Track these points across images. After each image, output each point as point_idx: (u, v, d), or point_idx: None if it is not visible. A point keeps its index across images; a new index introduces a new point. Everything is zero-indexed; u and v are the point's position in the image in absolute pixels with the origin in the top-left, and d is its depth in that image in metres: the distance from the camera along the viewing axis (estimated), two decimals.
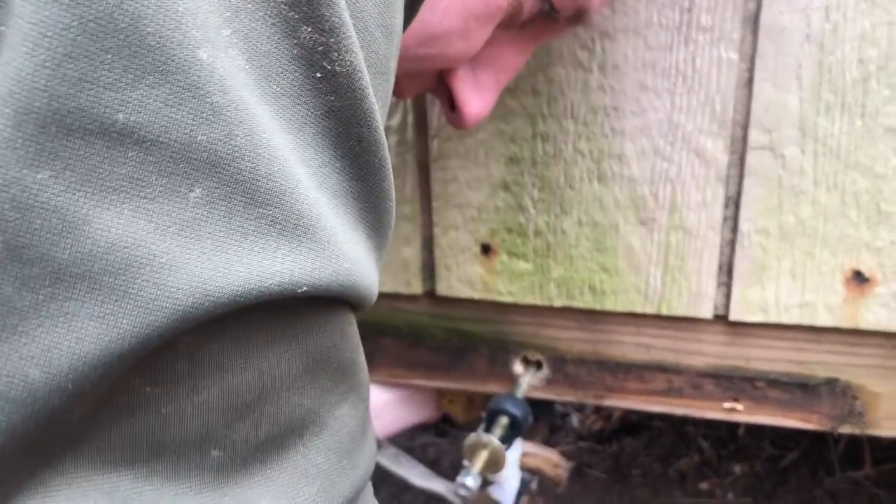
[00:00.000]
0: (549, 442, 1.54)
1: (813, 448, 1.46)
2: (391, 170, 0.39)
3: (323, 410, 0.39)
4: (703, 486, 1.38)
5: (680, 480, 1.40)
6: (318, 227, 0.33)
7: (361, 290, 0.37)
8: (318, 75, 0.33)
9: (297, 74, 0.33)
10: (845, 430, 0.84)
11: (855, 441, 1.42)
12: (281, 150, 0.32)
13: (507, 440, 0.89)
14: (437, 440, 1.58)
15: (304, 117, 0.34)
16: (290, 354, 0.36)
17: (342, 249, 0.35)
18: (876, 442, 1.45)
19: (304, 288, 0.33)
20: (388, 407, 1.03)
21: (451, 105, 0.64)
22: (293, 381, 0.36)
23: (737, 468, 1.42)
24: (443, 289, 0.89)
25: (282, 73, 0.33)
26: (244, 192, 0.31)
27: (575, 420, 1.64)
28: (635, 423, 1.61)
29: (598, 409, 1.67)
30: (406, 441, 1.60)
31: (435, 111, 0.82)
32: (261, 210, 0.32)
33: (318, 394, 0.38)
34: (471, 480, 0.84)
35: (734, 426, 1.56)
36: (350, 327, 0.40)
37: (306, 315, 0.36)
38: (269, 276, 0.32)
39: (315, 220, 0.33)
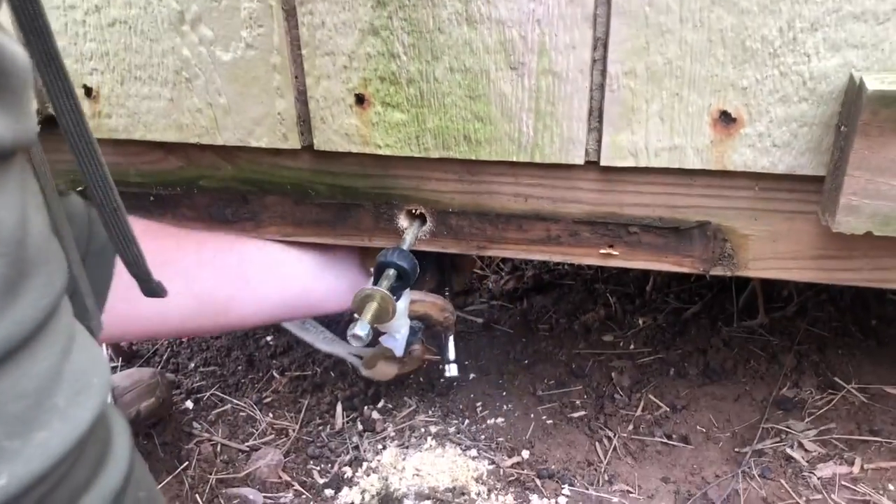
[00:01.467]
0: (464, 304, 1.58)
1: (715, 301, 1.52)
2: None
3: None
4: (607, 338, 1.43)
5: (584, 333, 1.45)
6: None
7: None
8: None
9: None
10: (717, 272, 0.87)
11: (755, 294, 1.47)
12: None
13: (395, 292, 0.90)
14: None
15: None
16: None
17: None
18: (773, 293, 1.50)
19: None
20: (317, 276, 1.03)
21: None
22: None
23: (640, 321, 1.47)
24: (321, 143, 0.87)
25: None
26: None
27: (490, 282, 1.67)
28: (547, 283, 1.65)
29: (513, 270, 1.70)
30: None
31: None
32: None
33: None
34: (360, 329, 0.84)
35: (643, 283, 1.60)
36: None
37: None
38: None
39: None
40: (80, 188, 1.02)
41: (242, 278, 0.97)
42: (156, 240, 0.89)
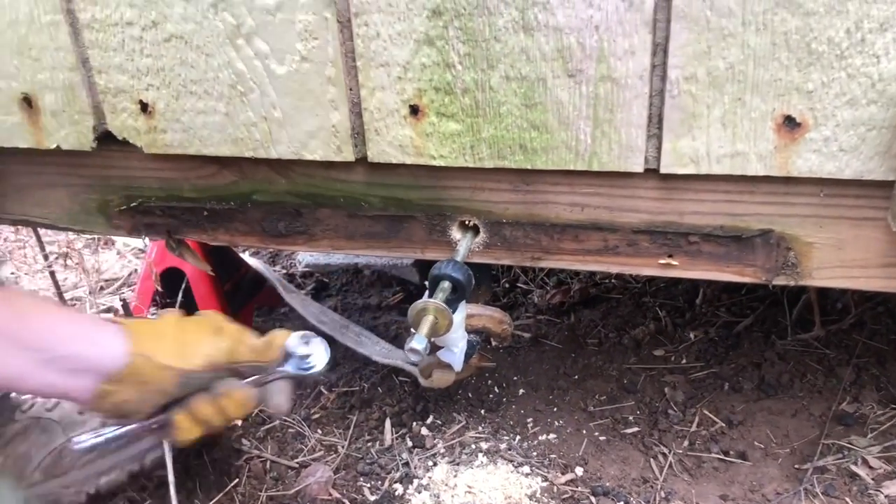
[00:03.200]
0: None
1: (768, 314, 1.49)
2: None
3: None
4: (658, 352, 1.41)
5: (635, 348, 1.42)
6: None
7: None
8: None
9: None
10: (780, 281, 0.85)
11: (809, 306, 1.44)
12: None
13: (451, 304, 0.89)
14: (400, 318, 1.59)
15: None
16: None
17: None
18: (828, 305, 1.47)
19: None
20: None
21: None
22: None
23: (692, 335, 1.44)
24: (374, 154, 0.87)
25: None
26: None
27: (536, 296, 1.65)
28: (594, 297, 1.63)
29: (558, 285, 1.68)
30: (370, 320, 1.62)
31: None
32: None
33: None
34: (417, 343, 0.84)
35: (692, 296, 1.57)
36: None
37: None
38: None
39: None
40: (133, 203, 1.04)
41: None
42: None
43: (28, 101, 0.97)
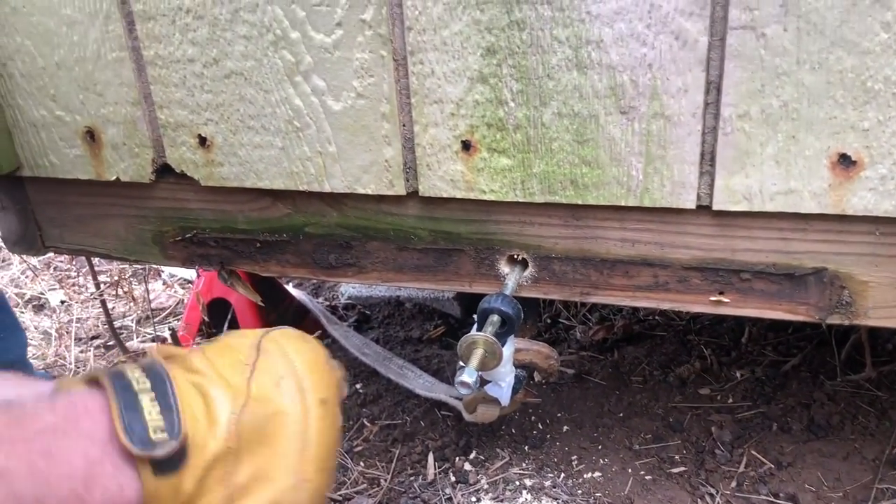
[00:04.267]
0: None
1: (815, 353, 1.46)
2: None
3: None
4: (704, 391, 1.39)
5: (680, 386, 1.41)
6: None
7: None
8: None
9: None
10: (834, 320, 0.84)
11: (858, 346, 1.41)
12: None
13: (500, 338, 0.89)
14: (442, 352, 1.60)
15: None
16: None
17: None
18: (878, 345, 1.44)
19: None
20: None
21: None
22: None
23: (738, 374, 1.42)
24: (426, 189, 0.88)
25: None
26: None
27: (578, 332, 1.64)
28: (637, 334, 1.62)
29: (601, 321, 1.67)
30: (412, 353, 1.62)
31: (409, 2, 0.80)
32: None
33: None
34: (467, 377, 0.84)
35: (737, 335, 1.56)
36: None
37: None
38: None
39: None
40: (188, 234, 1.06)
41: None
42: None
43: (91, 135, 1.00)
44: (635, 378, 1.45)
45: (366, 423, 1.39)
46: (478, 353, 0.85)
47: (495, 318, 0.88)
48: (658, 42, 0.73)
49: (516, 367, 0.99)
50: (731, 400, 1.35)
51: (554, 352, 1.03)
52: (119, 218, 1.11)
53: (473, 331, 0.89)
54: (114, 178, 1.02)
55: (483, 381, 0.96)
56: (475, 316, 0.91)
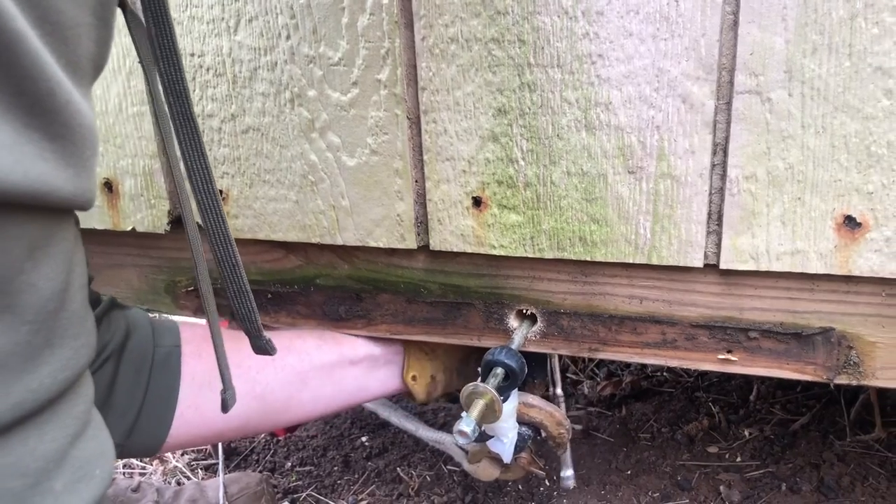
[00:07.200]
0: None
1: (824, 412, 1.45)
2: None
3: None
4: (712, 449, 1.38)
5: (688, 444, 1.40)
6: None
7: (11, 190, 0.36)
8: None
9: None
10: (841, 381, 0.84)
11: (867, 405, 1.40)
12: None
13: (502, 392, 0.89)
14: (448, 405, 1.59)
15: None
16: None
17: None
18: (887, 406, 1.43)
19: None
20: (370, 373, 1.04)
21: None
22: None
23: (746, 432, 1.41)
24: (436, 243, 0.90)
25: None
26: None
27: (586, 387, 1.64)
28: (646, 390, 1.61)
29: (609, 376, 1.67)
30: (418, 406, 1.61)
31: (424, 64, 0.82)
32: None
33: None
34: (465, 426, 0.84)
35: (746, 392, 1.55)
36: (5, 242, 0.39)
37: None
38: None
39: None
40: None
41: (301, 380, 0.97)
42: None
43: (109, 186, 1.02)
44: (643, 435, 1.44)
45: (371, 476, 1.38)
46: (479, 404, 0.85)
47: (499, 370, 0.89)
48: (666, 105, 0.75)
49: (523, 423, 0.99)
50: (739, 458, 1.34)
51: (567, 421, 1.01)
52: (132, 267, 1.13)
53: (477, 381, 0.89)
54: (129, 228, 1.03)
55: (486, 437, 0.96)
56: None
